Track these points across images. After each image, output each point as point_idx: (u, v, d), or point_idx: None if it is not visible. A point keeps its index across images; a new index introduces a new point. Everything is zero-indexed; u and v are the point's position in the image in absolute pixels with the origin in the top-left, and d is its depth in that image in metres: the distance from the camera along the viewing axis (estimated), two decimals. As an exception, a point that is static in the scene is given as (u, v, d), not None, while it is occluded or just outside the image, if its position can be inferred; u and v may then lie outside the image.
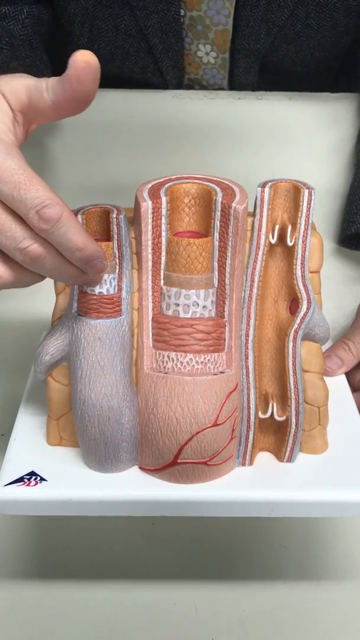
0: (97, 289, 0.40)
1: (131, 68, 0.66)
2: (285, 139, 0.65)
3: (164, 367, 0.40)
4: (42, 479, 0.40)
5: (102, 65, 0.70)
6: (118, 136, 0.65)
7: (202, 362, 0.40)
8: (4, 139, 0.36)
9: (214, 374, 0.40)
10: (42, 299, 0.55)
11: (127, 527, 0.44)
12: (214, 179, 0.42)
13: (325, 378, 0.49)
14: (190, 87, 0.69)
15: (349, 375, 0.52)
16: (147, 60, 0.65)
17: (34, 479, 0.40)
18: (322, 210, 0.62)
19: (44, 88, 0.36)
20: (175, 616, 0.45)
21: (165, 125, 0.65)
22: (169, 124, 0.65)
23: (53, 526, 0.48)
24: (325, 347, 0.51)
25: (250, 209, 0.42)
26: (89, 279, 0.38)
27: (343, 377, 0.50)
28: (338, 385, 0.49)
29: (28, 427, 0.43)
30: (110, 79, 0.68)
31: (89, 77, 0.35)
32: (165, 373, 0.39)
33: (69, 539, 0.48)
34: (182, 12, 0.61)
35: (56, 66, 0.64)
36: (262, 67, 0.67)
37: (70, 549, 0.48)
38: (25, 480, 0.40)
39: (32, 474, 0.40)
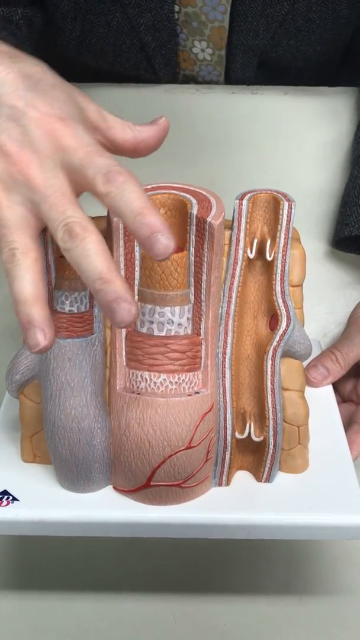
0: (68, 307, 0.37)
1: (123, 64, 0.62)
2: (280, 136, 0.61)
3: (137, 387, 0.37)
4: (14, 499, 0.38)
5: (93, 61, 0.67)
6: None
7: (176, 382, 0.37)
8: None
9: (189, 395, 0.37)
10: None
11: (106, 537, 0.42)
12: (191, 189, 0.39)
13: (311, 389, 0.46)
14: (185, 83, 0.65)
15: (338, 385, 0.49)
16: (139, 57, 0.61)
17: (6, 499, 0.38)
18: (317, 211, 0.58)
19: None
20: (154, 628, 0.43)
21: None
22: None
23: (31, 536, 0.46)
24: (314, 355, 0.48)
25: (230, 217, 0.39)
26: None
27: (330, 388, 0.47)
28: (324, 396, 0.46)
29: (3, 443, 0.41)
30: (102, 74, 0.64)
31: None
32: (138, 394, 0.37)
33: (47, 549, 0.46)
34: (177, 8, 0.58)
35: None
36: (261, 63, 0.63)
37: (48, 559, 0.46)
38: (-3, 499, 0.38)
39: (5, 493, 0.38)
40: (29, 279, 0.31)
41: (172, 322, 0.37)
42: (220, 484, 0.39)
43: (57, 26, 0.60)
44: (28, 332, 0.30)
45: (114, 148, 0.37)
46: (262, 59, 0.63)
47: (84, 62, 0.64)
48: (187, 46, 0.61)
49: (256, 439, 0.38)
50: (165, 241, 0.29)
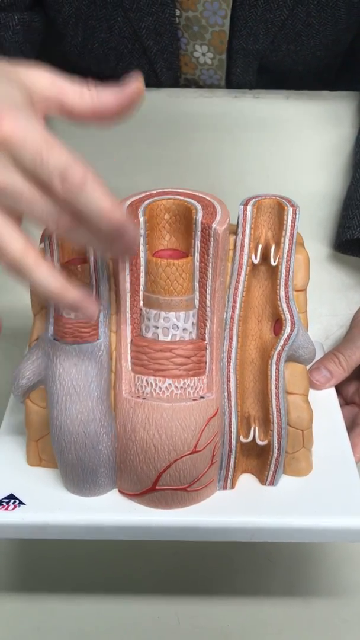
0: (74, 313, 0.37)
1: (125, 69, 0.62)
2: (282, 139, 0.61)
3: (143, 392, 0.37)
4: (20, 503, 0.38)
5: (95, 65, 0.67)
6: (110, 136, 0.61)
7: (181, 387, 0.37)
8: (25, 109, 0.33)
9: (194, 400, 0.37)
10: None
11: (111, 540, 0.42)
12: (196, 194, 0.39)
13: (314, 391, 0.46)
14: (186, 87, 0.65)
15: (341, 387, 0.49)
16: (141, 61, 0.61)
17: (13, 503, 0.38)
18: (319, 214, 0.58)
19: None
20: (158, 630, 0.44)
21: (159, 124, 0.62)
22: (163, 124, 0.62)
23: (36, 539, 0.47)
24: (317, 357, 0.49)
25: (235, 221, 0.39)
26: (125, 251, 0.33)
27: (332, 391, 0.47)
28: (327, 399, 0.46)
29: (9, 446, 0.41)
30: (104, 79, 0.65)
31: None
32: (144, 399, 0.37)
33: (51, 551, 0.46)
34: (178, 12, 0.58)
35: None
36: (262, 67, 0.63)
37: (52, 561, 0.46)
38: (4, 503, 0.38)
39: (11, 497, 0.38)
40: (44, 276, 0.32)
41: (177, 327, 0.37)
42: (224, 488, 0.39)
43: (59, 31, 0.60)
44: (81, 313, 0.34)
45: (71, 117, 0.35)
46: (263, 63, 0.63)
47: (86, 67, 0.64)
48: (188, 50, 0.62)
49: (260, 443, 0.38)
50: (132, 236, 0.32)
